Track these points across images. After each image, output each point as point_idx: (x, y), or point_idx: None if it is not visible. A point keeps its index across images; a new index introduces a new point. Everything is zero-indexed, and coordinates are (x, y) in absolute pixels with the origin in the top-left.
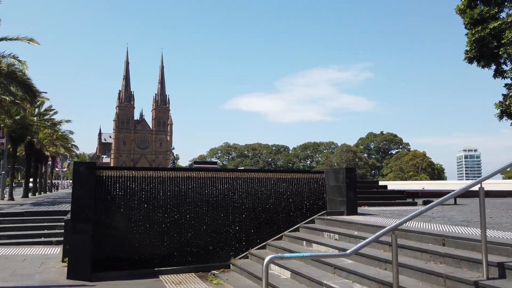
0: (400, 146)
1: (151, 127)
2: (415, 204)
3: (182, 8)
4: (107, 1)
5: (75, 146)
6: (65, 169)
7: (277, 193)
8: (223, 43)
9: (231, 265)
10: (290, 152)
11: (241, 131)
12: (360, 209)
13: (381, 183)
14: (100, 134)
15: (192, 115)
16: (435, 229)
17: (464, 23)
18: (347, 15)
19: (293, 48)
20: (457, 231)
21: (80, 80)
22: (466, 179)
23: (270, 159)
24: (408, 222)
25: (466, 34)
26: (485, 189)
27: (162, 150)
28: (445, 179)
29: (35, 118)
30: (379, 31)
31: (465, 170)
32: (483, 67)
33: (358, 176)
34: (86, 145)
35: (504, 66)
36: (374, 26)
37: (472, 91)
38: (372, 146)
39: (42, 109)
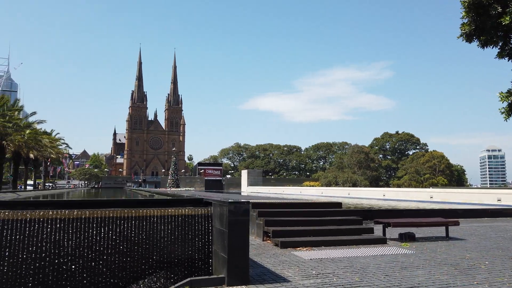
0: (417, 147)
1: (163, 127)
2: (383, 241)
3: (196, 7)
4: (120, 1)
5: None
6: (71, 170)
7: (115, 246)
8: (240, 44)
9: None
10: (302, 152)
11: (257, 131)
12: (284, 258)
13: (380, 190)
14: (114, 134)
15: (207, 115)
16: None
17: None
18: (369, 14)
19: (313, 47)
20: None
21: (96, 80)
22: (489, 182)
23: (281, 160)
24: None
25: (460, 1)
26: (502, 202)
27: (175, 151)
28: (466, 182)
29: None
30: (400, 29)
31: (489, 172)
32: (484, 45)
33: (373, 177)
34: (102, 146)
35: None
36: (395, 25)
37: (495, 88)
38: (387, 147)
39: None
